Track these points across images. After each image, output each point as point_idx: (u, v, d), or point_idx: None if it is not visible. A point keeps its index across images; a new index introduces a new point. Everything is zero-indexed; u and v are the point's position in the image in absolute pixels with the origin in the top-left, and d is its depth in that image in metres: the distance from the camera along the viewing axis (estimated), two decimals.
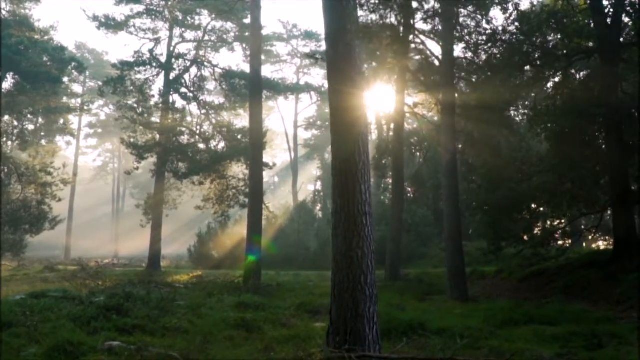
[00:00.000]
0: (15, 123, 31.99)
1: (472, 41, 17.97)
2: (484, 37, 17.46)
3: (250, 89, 20.28)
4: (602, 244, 26.36)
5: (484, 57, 17.93)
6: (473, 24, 18.19)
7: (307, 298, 12.60)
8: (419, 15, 19.37)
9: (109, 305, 8.14)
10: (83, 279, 15.04)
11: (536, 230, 18.23)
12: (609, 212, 16.97)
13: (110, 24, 28.73)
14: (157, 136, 28.60)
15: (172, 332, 7.40)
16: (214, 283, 17.29)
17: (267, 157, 33.70)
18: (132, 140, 28.36)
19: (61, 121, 36.68)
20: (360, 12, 17.70)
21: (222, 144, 28.64)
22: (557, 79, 18.03)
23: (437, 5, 18.60)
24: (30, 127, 34.99)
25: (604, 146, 16.04)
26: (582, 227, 22.66)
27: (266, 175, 58.92)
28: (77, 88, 46.03)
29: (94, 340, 6.36)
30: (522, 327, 9.51)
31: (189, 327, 7.82)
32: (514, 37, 16.65)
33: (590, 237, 27.35)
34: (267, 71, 52.70)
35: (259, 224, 18.06)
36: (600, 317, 10.22)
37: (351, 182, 6.62)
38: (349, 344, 6.19)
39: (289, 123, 52.60)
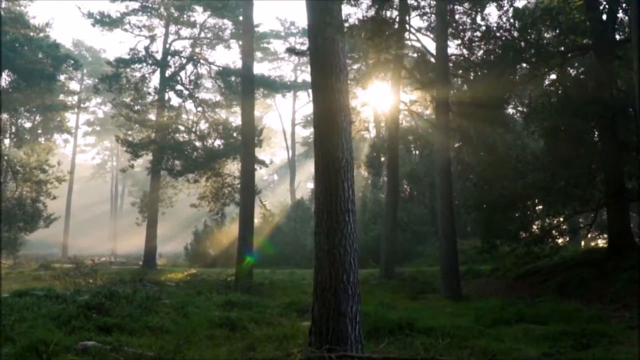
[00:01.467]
0: (12, 120, 31.93)
1: (467, 38, 17.84)
2: (479, 34, 17.33)
3: (243, 85, 20.18)
4: (600, 242, 26.23)
5: (479, 54, 17.80)
6: (468, 20, 18.06)
7: (297, 297, 12.51)
8: (414, 12, 19.26)
9: (90, 304, 8.01)
10: (74, 277, 14.88)
11: (533, 228, 18.07)
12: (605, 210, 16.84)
13: (105, 21, 28.53)
14: (153, 134, 28.46)
15: (153, 331, 7.27)
16: (206, 281, 17.19)
17: (265, 155, 33.69)
18: (128, 137, 28.27)
19: (58, 119, 36.58)
20: (354, 9, 17.53)
21: (217, 142, 28.52)
22: (552, 76, 17.91)
23: (432, 3, 18.47)
24: (27, 124, 34.91)
25: (598, 144, 15.90)
26: (581, 225, 22.53)
27: (265, 173, 59.15)
28: (74, 85, 46.01)
29: (70, 339, 6.24)
30: (513, 326, 9.40)
31: (171, 326, 7.69)
32: (509, 33, 16.52)
33: (588, 236, 27.26)
34: (264, 69, 52.81)
35: (250, 221, 17.95)
36: (592, 316, 10.12)
37: (334, 179, 6.51)
38: (331, 343, 6.08)
39: (287, 121, 52.59)
